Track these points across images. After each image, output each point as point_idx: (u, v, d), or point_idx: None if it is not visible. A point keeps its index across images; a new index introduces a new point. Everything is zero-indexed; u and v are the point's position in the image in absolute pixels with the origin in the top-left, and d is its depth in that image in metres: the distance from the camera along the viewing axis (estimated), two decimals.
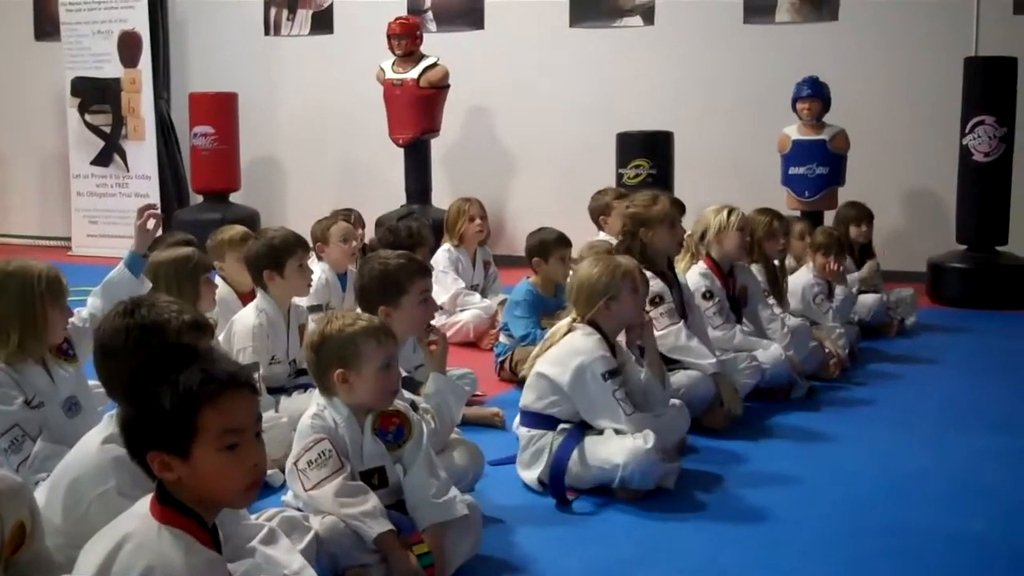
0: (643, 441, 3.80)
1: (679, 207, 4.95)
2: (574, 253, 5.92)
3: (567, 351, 3.95)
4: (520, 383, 4.94)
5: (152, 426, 2.06)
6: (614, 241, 5.47)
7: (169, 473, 2.08)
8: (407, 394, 3.64)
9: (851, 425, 4.90)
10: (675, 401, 4.25)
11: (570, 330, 4.02)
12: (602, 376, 3.88)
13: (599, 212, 6.96)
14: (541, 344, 4.14)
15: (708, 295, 5.19)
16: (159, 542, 2.06)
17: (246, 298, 4.87)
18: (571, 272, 4.88)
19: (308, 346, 3.23)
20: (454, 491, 3.22)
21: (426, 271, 3.82)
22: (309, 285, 4.72)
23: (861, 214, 7.17)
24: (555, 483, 3.88)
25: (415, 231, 5.63)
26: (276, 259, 4.48)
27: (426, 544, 3.08)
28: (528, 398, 4.03)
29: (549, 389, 3.96)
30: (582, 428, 3.96)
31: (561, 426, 3.97)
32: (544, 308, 5.65)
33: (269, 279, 4.47)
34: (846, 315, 6.31)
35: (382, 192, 9.70)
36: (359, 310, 3.65)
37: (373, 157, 10.14)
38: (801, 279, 6.16)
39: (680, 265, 5.20)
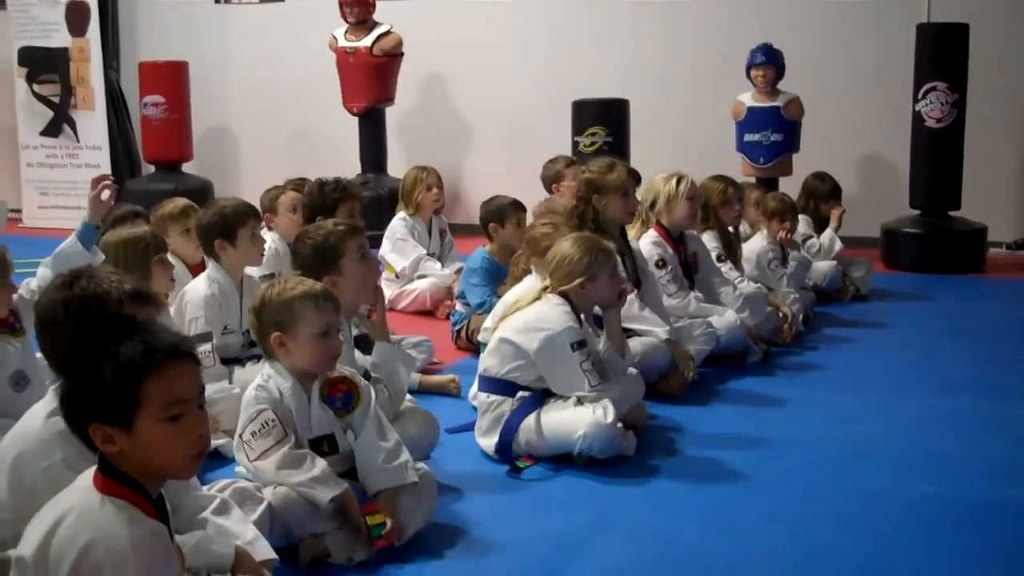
0: (603, 414, 3.80)
1: (635, 177, 4.96)
2: (529, 216, 5.90)
3: (536, 319, 3.95)
4: (477, 351, 4.94)
5: (93, 398, 2.03)
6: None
7: (111, 446, 2.05)
8: (360, 358, 3.63)
9: (805, 389, 4.94)
10: (631, 370, 4.25)
11: (538, 298, 4.02)
12: (571, 347, 3.89)
13: (551, 180, 6.94)
14: (505, 307, 4.12)
15: (661, 263, 5.20)
16: (101, 514, 2.03)
17: (195, 270, 4.83)
18: (529, 237, 4.88)
19: (251, 309, 3.23)
20: (405, 455, 3.22)
21: (357, 230, 3.81)
22: (262, 255, 4.69)
23: (832, 191, 7.24)
24: (503, 449, 3.89)
25: (342, 184, 5.52)
26: (227, 229, 4.44)
27: (381, 511, 3.08)
28: (489, 363, 4.03)
29: (513, 355, 3.96)
30: (541, 396, 3.96)
31: (520, 393, 3.97)
32: (500, 276, 5.63)
33: (221, 249, 4.44)
34: (800, 280, 6.37)
35: (337, 161, 9.59)
36: None
37: (327, 126, 10.05)
38: (756, 245, 6.20)
39: (631, 232, 5.21)
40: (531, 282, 4.47)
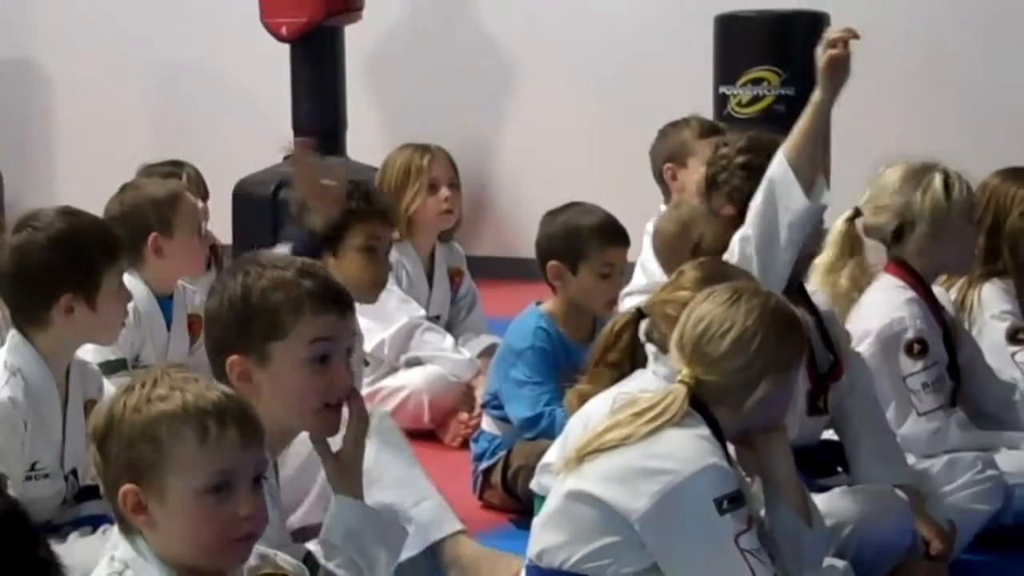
0: None
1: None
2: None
3: (648, 452, 3.99)
4: (527, 513, 4.97)
5: None
6: None
7: None
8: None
9: None
10: (836, 562, 4.29)
11: (661, 412, 4.04)
12: (717, 505, 3.91)
13: (667, 157, 6.93)
14: (587, 428, 4.16)
15: (919, 349, 5.26)
16: None
17: None
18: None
19: (92, 435, 3.18)
20: None
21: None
22: (121, 325, 4.77)
23: None
24: None
25: (364, 183, 5.46)
26: (78, 276, 4.45)
27: None
28: (550, 540, 4.07)
29: (598, 524, 3.99)
30: None
31: None
32: (572, 364, 5.66)
33: (55, 316, 4.42)
34: None
35: (248, 130, 9.71)
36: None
37: (230, 62, 10.16)
38: None
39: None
40: (644, 381, 4.48)
